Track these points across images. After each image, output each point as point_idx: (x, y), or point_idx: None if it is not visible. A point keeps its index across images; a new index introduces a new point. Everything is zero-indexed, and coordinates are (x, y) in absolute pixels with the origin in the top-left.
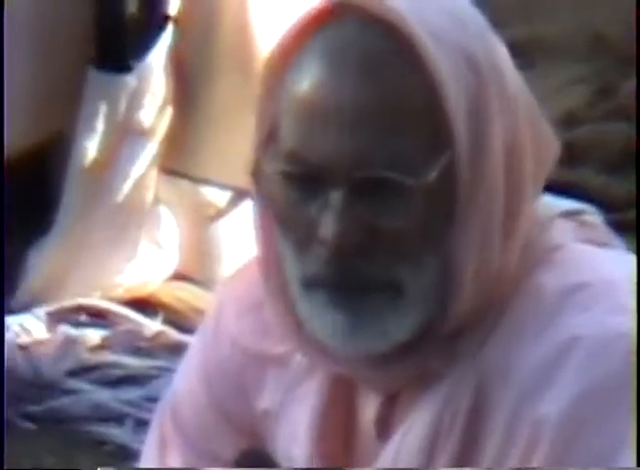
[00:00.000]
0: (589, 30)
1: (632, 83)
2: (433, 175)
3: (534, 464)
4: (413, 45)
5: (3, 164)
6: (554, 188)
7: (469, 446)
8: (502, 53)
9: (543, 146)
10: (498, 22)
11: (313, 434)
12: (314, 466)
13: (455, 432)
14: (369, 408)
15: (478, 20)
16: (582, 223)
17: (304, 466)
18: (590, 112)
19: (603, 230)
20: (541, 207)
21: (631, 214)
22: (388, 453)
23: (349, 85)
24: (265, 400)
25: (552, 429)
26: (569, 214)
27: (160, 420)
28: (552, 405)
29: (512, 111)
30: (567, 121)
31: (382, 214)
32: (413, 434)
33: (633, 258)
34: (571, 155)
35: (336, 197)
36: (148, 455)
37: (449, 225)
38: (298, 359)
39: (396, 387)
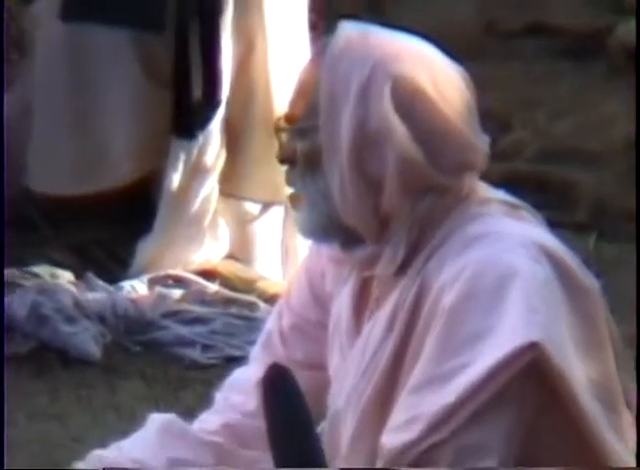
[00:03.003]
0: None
1: (510, 138)
2: (310, 123)
3: (436, 331)
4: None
5: (3, 165)
6: None
7: (412, 320)
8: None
9: (443, 140)
10: None
11: (352, 304)
12: (352, 323)
13: (405, 310)
14: (375, 294)
15: (387, 57)
16: (513, 208)
17: (347, 324)
18: None
19: (528, 215)
20: (489, 193)
21: None
22: (374, 320)
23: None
24: (329, 285)
25: (446, 313)
26: (506, 202)
27: (279, 303)
28: (449, 300)
29: (370, 110)
30: None
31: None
32: (385, 309)
33: (533, 227)
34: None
35: None
36: (271, 321)
37: (320, 168)
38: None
39: (367, 266)
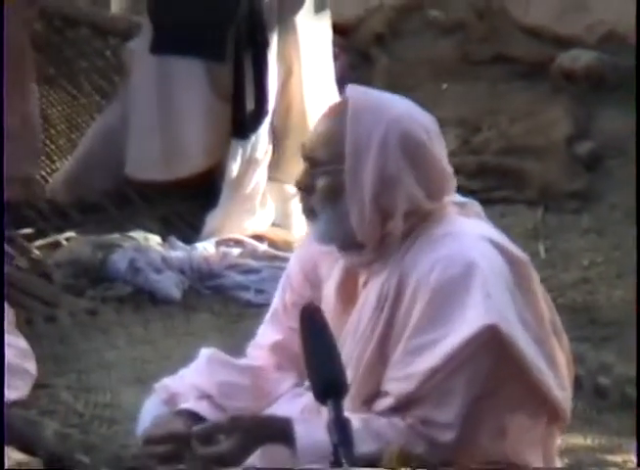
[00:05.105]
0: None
1: (480, 138)
2: (332, 167)
3: (420, 311)
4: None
5: (2, 166)
6: None
7: (396, 302)
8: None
9: (433, 180)
10: None
11: (337, 287)
12: (339, 301)
13: (390, 296)
14: (360, 280)
15: (400, 117)
16: (462, 207)
17: (334, 303)
18: (460, 149)
19: (474, 211)
20: (445, 200)
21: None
22: (363, 299)
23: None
24: (321, 270)
25: (427, 298)
26: (457, 203)
27: (281, 283)
28: (429, 285)
29: (388, 161)
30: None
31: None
32: (372, 293)
33: (481, 223)
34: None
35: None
36: (277, 298)
37: (342, 198)
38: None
39: (363, 266)
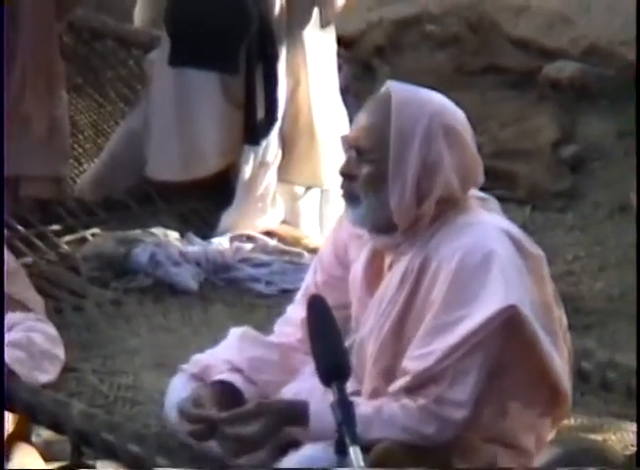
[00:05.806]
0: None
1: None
2: (376, 155)
3: (442, 293)
4: (392, 111)
5: (3, 165)
6: None
7: (418, 281)
8: (443, 129)
9: (467, 169)
10: None
11: (364, 267)
12: (365, 282)
13: (412, 276)
14: (386, 262)
15: (439, 108)
16: (483, 201)
17: (361, 282)
18: None
19: (493, 205)
20: (469, 193)
21: None
22: (388, 278)
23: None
24: (350, 252)
25: (448, 281)
26: (479, 197)
27: (313, 264)
28: (450, 270)
29: (431, 149)
30: None
31: (360, 168)
32: (396, 273)
33: (500, 217)
34: None
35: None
36: (309, 276)
37: (385, 184)
38: (366, 237)
39: (392, 248)
